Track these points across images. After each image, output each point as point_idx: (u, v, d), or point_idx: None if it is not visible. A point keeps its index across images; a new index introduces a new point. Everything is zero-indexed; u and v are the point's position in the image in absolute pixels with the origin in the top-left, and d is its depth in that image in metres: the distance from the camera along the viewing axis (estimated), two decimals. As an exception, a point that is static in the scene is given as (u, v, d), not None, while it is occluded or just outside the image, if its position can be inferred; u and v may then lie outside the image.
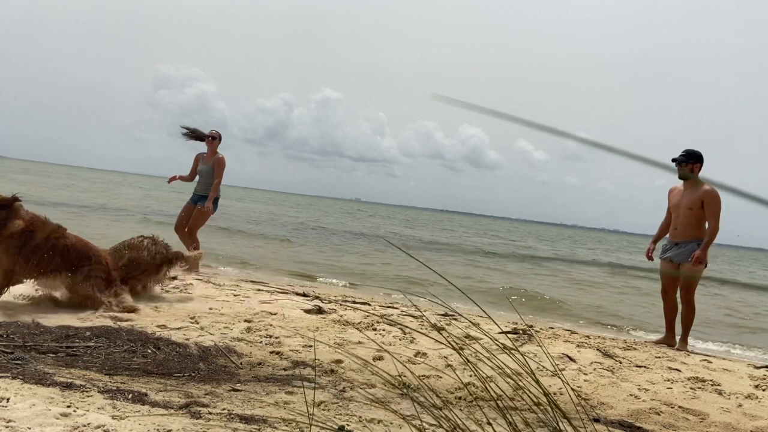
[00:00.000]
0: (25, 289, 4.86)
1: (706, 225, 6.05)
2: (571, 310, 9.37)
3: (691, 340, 7.37)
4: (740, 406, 3.87)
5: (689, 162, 6.10)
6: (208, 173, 7.98)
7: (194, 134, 8.11)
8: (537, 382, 1.37)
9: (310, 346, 4.14)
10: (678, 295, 6.30)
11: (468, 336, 4.48)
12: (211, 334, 4.20)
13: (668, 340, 6.26)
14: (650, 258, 6.62)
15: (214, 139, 8.04)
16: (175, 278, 6.37)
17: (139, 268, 5.26)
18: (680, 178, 6.18)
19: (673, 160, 6.16)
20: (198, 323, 4.46)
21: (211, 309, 4.97)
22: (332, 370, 3.69)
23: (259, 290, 6.35)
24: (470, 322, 1.80)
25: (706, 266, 6.13)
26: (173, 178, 8.14)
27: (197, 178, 8.12)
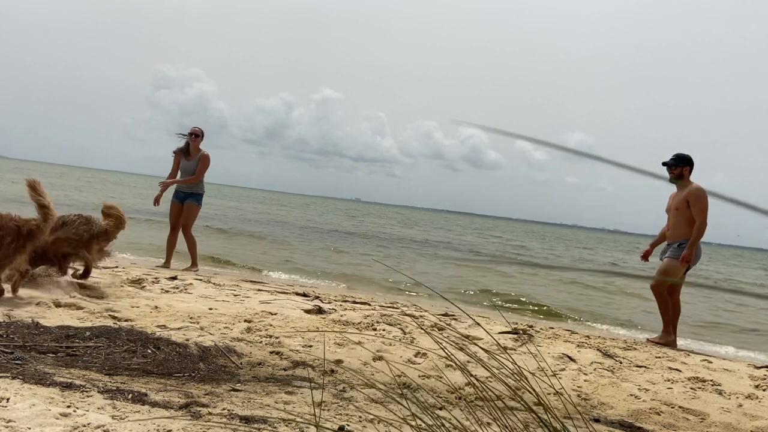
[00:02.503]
0: (26, 290, 4.86)
1: None
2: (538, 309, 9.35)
3: (691, 341, 7.39)
4: (740, 406, 3.88)
5: (679, 165, 6.23)
6: (193, 170, 8.05)
7: (184, 150, 8.17)
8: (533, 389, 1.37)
9: (310, 346, 4.14)
10: (680, 296, 6.39)
11: (468, 336, 4.48)
12: (211, 334, 4.20)
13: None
14: (645, 259, 6.69)
15: (197, 136, 8.09)
16: (174, 278, 6.38)
17: (68, 243, 5.16)
18: (670, 181, 6.30)
19: (664, 164, 6.31)
20: (198, 323, 4.46)
21: (211, 309, 4.97)
22: (332, 370, 3.69)
23: (259, 290, 6.35)
24: (471, 322, 1.80)
25: (689, 268, 6.19)
26: (158, 200, 8.14)
27: (179, 175, 8.14)
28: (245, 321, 4.65)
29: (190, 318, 4.58)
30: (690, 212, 6.07)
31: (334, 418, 2.75)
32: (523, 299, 10.09)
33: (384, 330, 4.79)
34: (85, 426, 2.26)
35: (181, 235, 8.19)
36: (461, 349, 1.56)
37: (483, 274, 14.16)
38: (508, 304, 9.47)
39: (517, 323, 6.04)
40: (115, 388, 2.82)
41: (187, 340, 3.96)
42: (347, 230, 27.08)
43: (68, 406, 2.45)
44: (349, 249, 16.82)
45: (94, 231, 5.31)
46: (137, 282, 5.86)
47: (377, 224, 38.49)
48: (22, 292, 4.74)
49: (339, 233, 24.28)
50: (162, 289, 5.71)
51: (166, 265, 8.05)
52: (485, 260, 18.38)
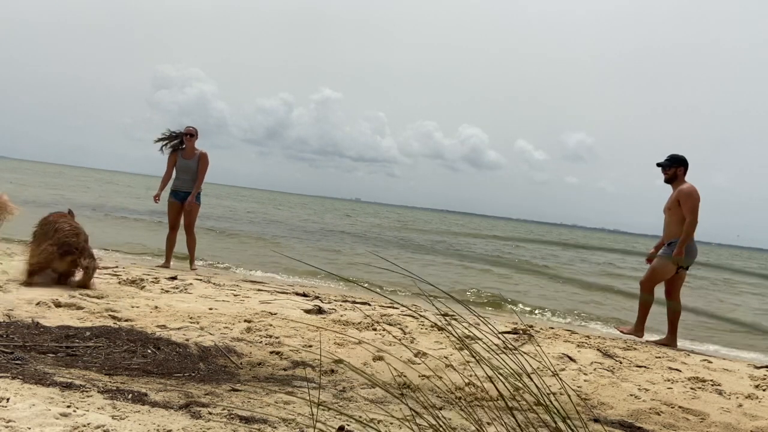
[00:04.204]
0: (26, 290, 4.86)
1: None
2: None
3: (690, 342, 7.40)
4: (740, 406, 3.88)
5: (673, 166, 6.29)
6: (192, 170, 8.06)
7: (171, 138, 8.14)
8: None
9: (310, 346, 4.14)
10: (680, 296, 6.42)
11: (468, 336, 4.48)
12: (211, 334, 4.20)
13: (669, 341, 6.29)
14: (649, 263, 6.73)
15: (192, 136, 8.09)
16: (174, 278, 6.38)
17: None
18: (665, 182, 6.36)
19: (658, 165, 6.37)
20: (198, 323, 4.46)
21: (211, 309, 4.97)
22: (332, 370, 3.69)
23: (259, 290, 6.35)
24: (471, 322, 1.80)
25: (687, 268, 6.25)
26: (158, 197, 8.13)
27: (175, 174, 8.12)
28: (245, 321, 4.65)
29: (190, 318, 4.58)
30: (681, 211, 6.13)
31: (334, 418, 2.75)
32: (513, 299, 10.09)
33: (384, 330, 4.79)
34: (85, 426, 2.26)
35: (179, 235, 8.20)
36: (461, 349, 1.56)
37: (476, 274, 14.15)
38: (505, 304, 9.46)
39: (516, 323, 6.04)
40: (115, 388, 2.82)
41: (187, 340, 3.96)
42: (342, 230, 26.95)
43: (68, 406, 2.45)
44: (343, 249, 16.74)
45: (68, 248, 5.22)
46: (137, 282, 5.86)
47: (373, 224, 38.38)
48: (22, 291, 4.74)
49: (333, 233, 24.10)
50: (162, 289, 5.71)
51: (166, 264, 8.06)
52: (479, 261, 18.34)
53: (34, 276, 5.11)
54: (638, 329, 6.42)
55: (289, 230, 22.75)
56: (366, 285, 9.57)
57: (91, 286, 5.23)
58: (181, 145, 8.10)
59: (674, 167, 6.29)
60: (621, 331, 6.64)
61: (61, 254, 5.16)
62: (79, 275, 5.30)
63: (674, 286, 6.35)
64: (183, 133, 8.10)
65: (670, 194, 6.42)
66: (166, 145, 8.10)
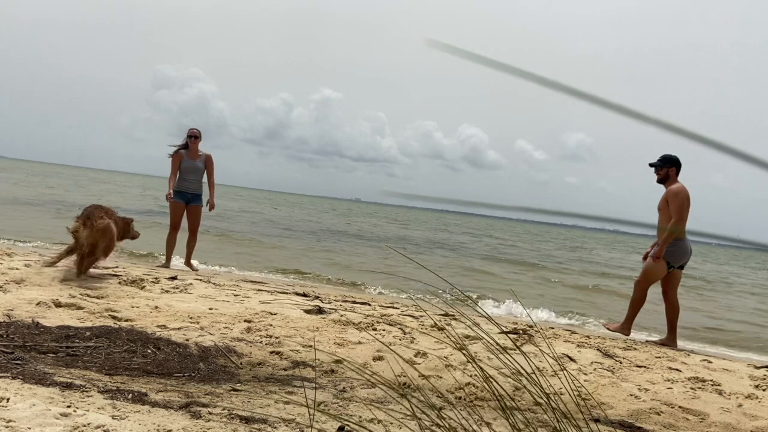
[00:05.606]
0: (26, 290, 4.86)
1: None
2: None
3: (690, 342, 7.40)
4: (740, 406, 3.88)
5: (665, 166, 6.29)
6: (199, 171, 8.13)
7: (182, 147, 8.18)
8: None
9: (310, 346, 4.14)
10: (677, 296, 6.43)
11: (468, 336, 4.48)
12: (211, 334, 4.20)
13: (669, 341, 6.29)
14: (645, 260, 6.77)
15: (196, 138, 8.12)
16: (175, 278, 6.38)
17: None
18: (658, 182, 6.37)
19: (651, 165, 6.38)
20: (198, 323, 4.46)
21: (211, 309, 4.97)
22: (332, 370, 3.69)
23: (259, 290, 6.35)
24: (470, 322, 1.80)
25: (679, 268, 6.25)
26: (170, 195, 8.11)
27: (179, 175, 8.11)
28: (245, 321, 4.65)
29: (190, 318, 4.58)
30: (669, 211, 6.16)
31: (334, 418, 2.75)
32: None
33: (384, 330, 4.79)
34: (85, 426, 2.26)
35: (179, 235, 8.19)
36: (461, 349, 1.56)
37: (473, 274, 14.14)
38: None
39: (516, 323, 6.04)
40: (115, 388, 2.82)
41: (187, 340, 3.96)
42: (338, 229, 26.85)
43: (68, 406, 2.45)
44: (336, 248, 16.66)
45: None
46: (137, 282, 5.85)
47: (370, 224, 38.30)
48: (22, 291, 4.74)
49: (329, 232, 24.03)
50: (162, 289, 5.71)
51: (166, 265, 8.05)
52: (475, 261, 18.32)
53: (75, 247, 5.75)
54: (625, 327, 6.44)
55: (284, 229, 22.66)
56: (362, 285, 9.58)
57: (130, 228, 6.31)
58: (185, 146, 8.14)
59: (666, 167, 6.29)
60: (608, 328, 6.68)
61: (83, 221, 5.72)
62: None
63: (670, 286, 6.35)
64: (187, 135, 8.16)
65: (662, 194, 6.44)
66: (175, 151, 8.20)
